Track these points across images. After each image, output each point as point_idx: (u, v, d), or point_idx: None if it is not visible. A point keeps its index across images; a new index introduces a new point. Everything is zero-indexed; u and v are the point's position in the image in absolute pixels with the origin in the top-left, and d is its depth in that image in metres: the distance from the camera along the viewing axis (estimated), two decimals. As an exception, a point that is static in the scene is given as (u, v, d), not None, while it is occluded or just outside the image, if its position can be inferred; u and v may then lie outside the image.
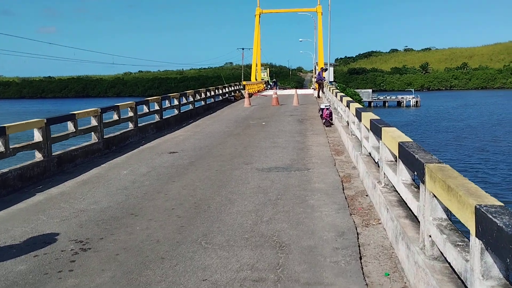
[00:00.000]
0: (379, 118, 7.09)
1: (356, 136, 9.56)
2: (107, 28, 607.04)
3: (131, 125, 13.08)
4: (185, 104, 19.09)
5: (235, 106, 25.14)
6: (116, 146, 11.68)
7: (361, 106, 9.37)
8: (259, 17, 48.95)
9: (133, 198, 6.94)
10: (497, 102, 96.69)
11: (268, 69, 73.23)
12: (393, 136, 5.35)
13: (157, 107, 15.39)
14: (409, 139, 5.23)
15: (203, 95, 22.31)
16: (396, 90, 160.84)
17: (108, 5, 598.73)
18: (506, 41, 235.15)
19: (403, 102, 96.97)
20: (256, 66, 50.85)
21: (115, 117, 12.17)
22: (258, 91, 42.08)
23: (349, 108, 10.71)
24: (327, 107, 18.23)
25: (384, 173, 5.84)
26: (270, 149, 11.01)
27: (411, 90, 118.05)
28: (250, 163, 9.42)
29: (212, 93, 24.62)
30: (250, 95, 34.35)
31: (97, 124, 10.78)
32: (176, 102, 17.63)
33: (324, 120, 16.21)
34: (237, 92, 32.82)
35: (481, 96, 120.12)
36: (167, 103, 16.64)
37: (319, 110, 18.90)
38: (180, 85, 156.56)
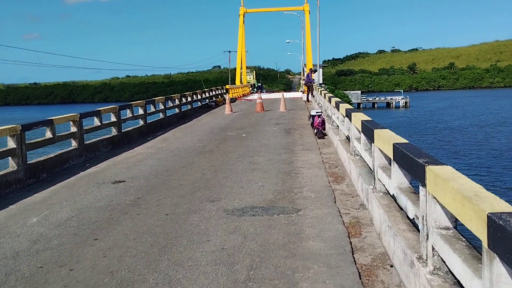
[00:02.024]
0: (408, 142, 4.51)
1: (363, 159, 6.98)
2: (93, 33, 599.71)
3: (74, 143, 10.36)
4: (153, 113, 16.37)
5: (215, 113, 22.45)
6: (48, 173, 8.95)
7: (368, 118, 6.86)
8: (244, 17, 46.38)
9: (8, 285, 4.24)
10: (485, 101, 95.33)
11: (254, 71, 70.43)
12: (459, 189, 2.76)
13: (113, 119, 12.68)
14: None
15: (177, 102, 19.60)
16: (385, 91, 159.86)
17: (93, 10, 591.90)
18: (492, 41, 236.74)
19: (392, 103, 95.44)
20: (241, 68, 48.22)
21: (48, 134, 9.44)
22: (243, 95, 39.46)
23: (350, 120, 8.14)
24: (318, 113, 15.70)
25: (433, 247, 3.26)
26: (248, 174, 8.38)
27: (399, 91, 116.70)
28: (218, 199, 6.79)
29: (189, 98, 21.91)
30: (234, 100, 31.75)
31: (15, 146, 8.06)
32: (141, 111, 14.92)
33: (315, 130, 13.64)
34: (219, 97, 30.16)
35: (469, 96, 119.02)
36: (128, 113, 13.93)
37: (309, 117, 16.38)
38: (167, 89, 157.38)
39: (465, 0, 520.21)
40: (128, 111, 13.91)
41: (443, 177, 2.97)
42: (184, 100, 20.98)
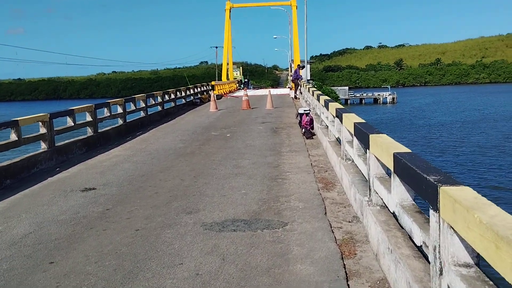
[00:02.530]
0: (411, 152, 3.89)
1: (356, 165, 6.36)
2: (78, 28, 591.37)
3: (43, 146, 9.57)
4: (133, 111, 15.59)
5: (200, 111, 21.70)
6: (12, 179, 8.18)
7: (361, 120, 6.25)
8: (230, 11, 45.53)
9: None
10: (471, 97, 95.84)
11: (241, 67, 69.59)
12: (490, 224, 2.14)
13: (89, 118, 11.89)
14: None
15: (159, 99, 18.82)
16: (372, 86, 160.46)
17: (78, 5, 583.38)
18: (477, 37, 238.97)
19: (379, 99, 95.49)
20: (228, 64, 47.41)
21: (13, 136, 8.66)
22: (230, 92, 38.72)
23: (340, 121, 7.51)
24: (306, 112, 15.09)
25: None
26: (231, 180, 7.72)
27: (387, 87, 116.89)
28: (196, 210, 6.12)
29: (172, 96, 21.12)
30: (220, 96, 31.00)
31: (-28, 151, 7.28)
32: (119, 110, 14.14)
33: (303, 130, 13.03)
34: (204, 93, 29.38)
35: (456, 92, 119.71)
36: (106, 112, 13.15)
37: (297, 116, 15.77)
38: (154, 85, 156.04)
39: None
40: (105, 109, 13.13)
41: (464, 205, 2.35)
42: (167, 97, 20.19)
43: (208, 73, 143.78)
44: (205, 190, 7.14)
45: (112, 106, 13.78)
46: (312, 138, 12.15)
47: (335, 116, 8.36)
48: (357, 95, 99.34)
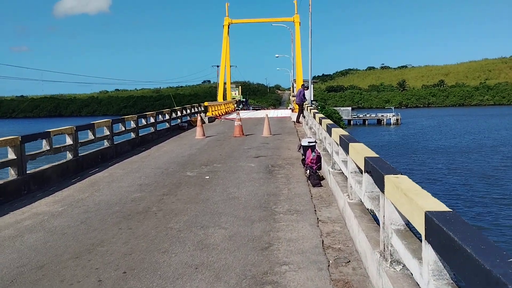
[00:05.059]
0: None
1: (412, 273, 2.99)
2: (82, 46, 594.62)
3: None
4: (91, 141, 12.26)
5: (183, 138, 18.37)
6: None
7: (413, 182, 3.09)
8: (228, 27, 42.69)
9: None
10: (477, 120, 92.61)
11: (240, 87, 66.44)
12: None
13: (12, 156, 8.58)
14: None
15: (132, 124, 15.53)
16: (374, 107, 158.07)
17: (82, 24, 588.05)
18: (480, 59, 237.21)
19: (383, 120, 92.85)
20: (225, 83, 44.39)
21: None
22: (226, 113, 35.52)
23: (381, 186, 4.15)
24: (311, 144, 11.83)
25: None
26: (184, 283, 4.37)
27: (391, 108, 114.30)
28: None
29: (152, 119, 17.84)
30: (212, 119, 27.80)
31: None
32: (69, 141, 10.84)
33: (307, 171, 9.69)
34: (196, 115, 26.12)
35: (460, 114, 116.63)
36: (44, 145, 9.84)
37: (299, 147, 12.49)
38: (156, 103, 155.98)
39: (452, 19, 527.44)
40: (44, 142, 9.82)
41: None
42: (144, 121, 16.91)
43: (210, 92, 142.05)
44: (127, 319, 3.77)
45: (59, 136, 10.52)
46: (320, 185, 8.80)
47: (364, 170, 5.01)
48: (360, 115, 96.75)
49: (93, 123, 12.33)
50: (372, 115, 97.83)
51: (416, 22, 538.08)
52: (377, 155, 4.99)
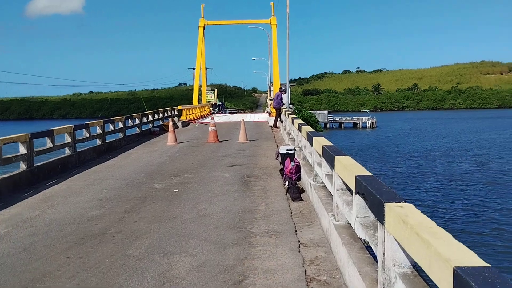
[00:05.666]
0: None
1: None
2: (56, 48, 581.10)
3: None
4: (49, 150, 11.18)
5: (154, 145, 17.36)
6: None
7: (423, 215, 2.38)
8: (204, 29, 41.71)
9: None
10: (450, 123, 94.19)
11: (216, 89, 65.34)
12: None
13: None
14: None
15: (98, 131, 14.46)
16: (350, 110, 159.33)
17: (55, 25, 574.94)
18: (452, 64, 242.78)
19: (359, 123, 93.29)
20: (200, 86, 43.37)
21: None
22: (202, 117, 34.54)
23: (380, 218, 3.38)
24: (290, 152, 11.17)
25: None
26: None
27: (366, 111, 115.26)
28: None
29: (120, 125, 16.77)
30: (186, 123, 26.81)
31: None
32: (23, 150, 9.75)
33: (286, 182, 8.92)
34: (169, 120, 25.07)
35: (433, 118, 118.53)
36: (-8, 155, 8.75)
37: (277, 155, 11.78)
38: (131, 106, 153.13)
39: (425, 25, 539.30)
40: (-8, 151, 8.73)
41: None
42: (111, 127, 15.85)
43: (187, 95, 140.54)
44: None
45: (13, 145, 9.46)
46: (301, 199, 8.04)
47: (355, 191, 4.25)
48: (337, 119, 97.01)
49: (52, 130, 11.25)
50: (348, 119, 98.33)
51: (391, 28, 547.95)
52: (370, 173, 4.24)
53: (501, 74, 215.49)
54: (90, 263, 5.17)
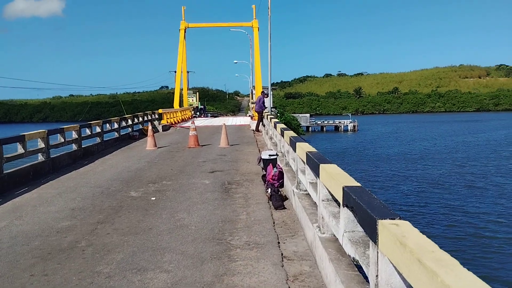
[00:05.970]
0: None
1: None
2: (35, 51, 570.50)
3: None
4: (20, 156, 10.62)
5: (133, 149, 16.86)
6: None
7: (423, 236, 2.11)
8: (185, 32, 41.24)
9: None
10: (430, 126, 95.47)
11: (197, 93, 64.77)
12: None
13: None
14: None
15: (74, 135, 13.91)
16: (332, 114, 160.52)
17: (34, 27, 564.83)
18: (432, 67, 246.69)
19: (340, 126, 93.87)
20: (182, 90, 42.82)
21: None
22: (183, 120, 34.01)
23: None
24: (272, 157, 10.85)
25: None
26: None
27: (348, 114, 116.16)
28: None
29: (98, 129, 16.22)
30: (167, 127, 26.29)
31: None
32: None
33: (269, 189, 8.60)
34: (149, 123, 24.51)
35: (413, 121, 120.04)
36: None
37: (259, 160, 11.44)
38: (112, 109, 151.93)
39: (405, 29, 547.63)
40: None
41: None
42: (88, 131, 15.29)
43: (168, 98, 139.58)
44: None
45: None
46: (283, 207, 7.72)
47: (343, 204, 3.94)
48: (318, 122, 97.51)
49: (24, 135, 10.70)
50: (330, 122, 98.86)
51: (371, 32, 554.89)
52: (359, 184, 3.94)
53: (479, 77, 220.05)
54: (56, 282, 4.75)
